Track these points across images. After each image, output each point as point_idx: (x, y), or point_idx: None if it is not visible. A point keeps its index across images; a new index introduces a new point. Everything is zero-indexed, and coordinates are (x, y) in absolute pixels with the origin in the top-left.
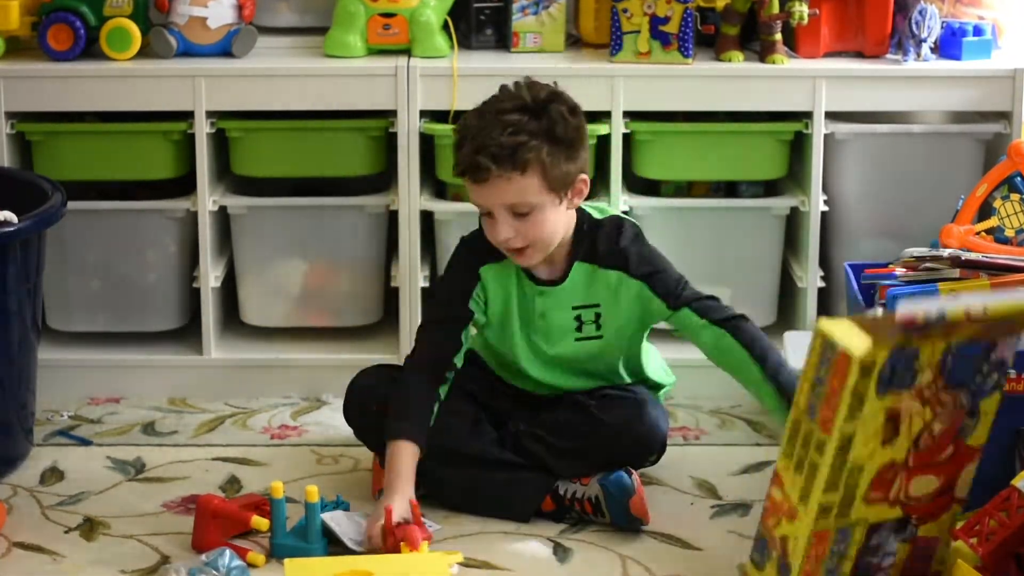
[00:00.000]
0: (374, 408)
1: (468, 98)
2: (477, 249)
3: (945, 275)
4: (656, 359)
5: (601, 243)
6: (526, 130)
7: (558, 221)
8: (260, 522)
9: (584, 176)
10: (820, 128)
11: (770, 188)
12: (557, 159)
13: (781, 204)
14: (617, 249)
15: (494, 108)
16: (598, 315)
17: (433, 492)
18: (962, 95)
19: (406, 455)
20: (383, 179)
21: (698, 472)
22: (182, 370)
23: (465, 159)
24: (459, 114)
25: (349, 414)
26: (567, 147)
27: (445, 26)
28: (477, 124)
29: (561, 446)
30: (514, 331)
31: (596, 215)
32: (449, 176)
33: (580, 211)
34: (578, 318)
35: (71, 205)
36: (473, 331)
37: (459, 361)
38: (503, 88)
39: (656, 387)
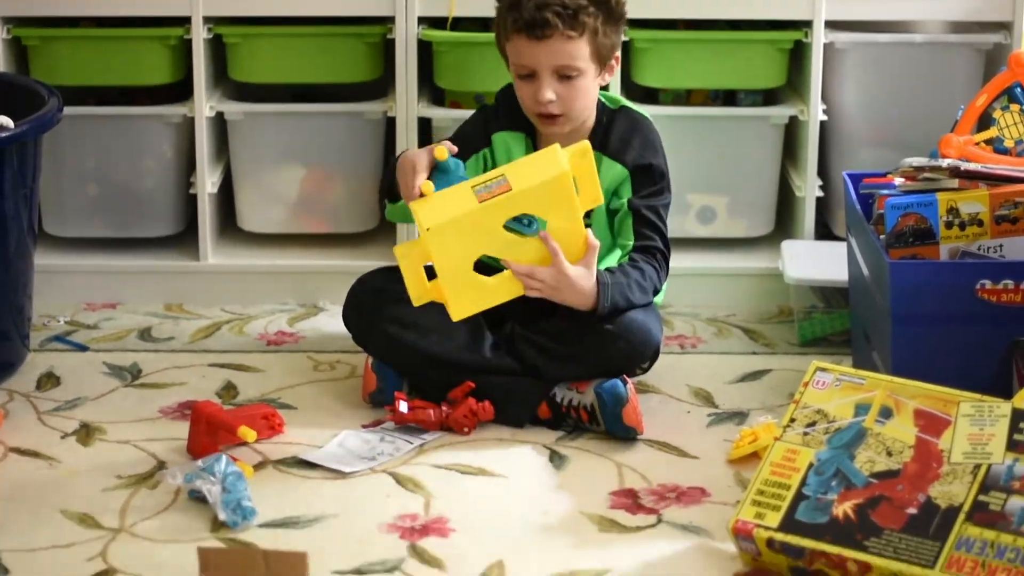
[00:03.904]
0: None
1: (467, 4)
2: (496, 116)
3: (944, 185)
4: None
5: (614, 134)
6: None
7: (592, 93)
8: (247, 432)
9: (618, 54)
10: (820, 37)
11: (769, 97)
12: (607, 29)
13: (780, 113)
14: (623, 140)
15: None
16: None
17: (428, 397)
18: (962, 5)
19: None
20: (380, 85)
21: (694, 380)
22: (178, 276)
23: (528, 13)
24: (457, 21)
25: (348, 318)
26: (615, 21)
27: None
28: None
29: (554, 350)
30: None
31: (610, 105)
32: (447, 83)
33: (599, 101)
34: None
35: (67, 110)
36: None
37: None
38: None
39: None
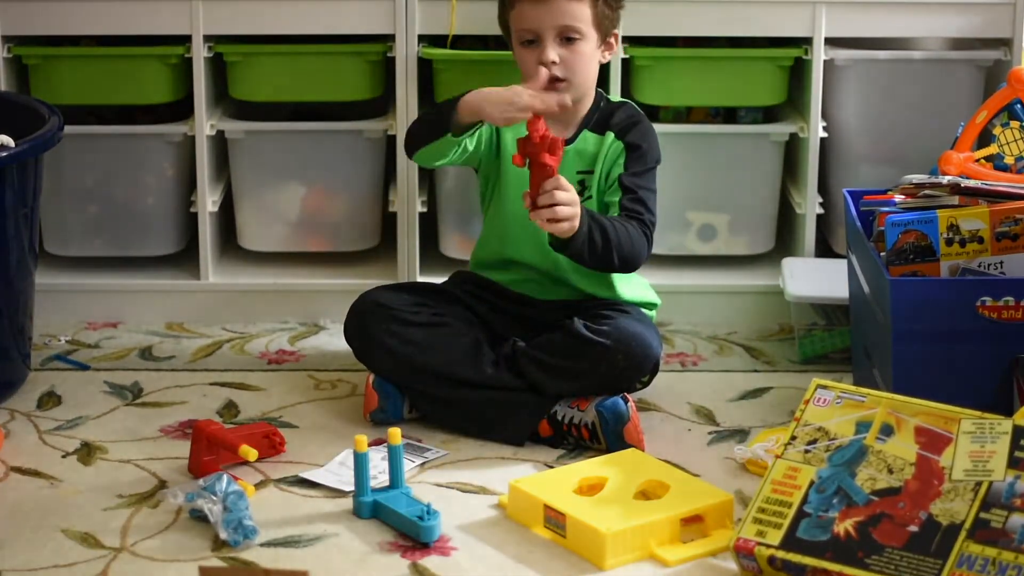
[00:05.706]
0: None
1: (466, 22)
2: None
3: (944, 202)
4: (638, 279)
5: (617, 116)
6: None
7: (593, 64)
8: (248, 451)
9: (618, 33)
10: (820, 54)
11: (769, 114)
12: (608, 1)
13: (780, 130)
14: (627, 121)
15: None
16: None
17: (429, 413)
18: (963, 21)
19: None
20: (381, 104)
21: (695, 398)
22: (180, 295)
23: None
24: (457, 39)
25: (349, 334)
26: None
27: None
28: None
29: (554, 364)
30: (508, 197)
31: (612, 98)
32: None
33: (598, 92)
34: (581, 183)
35: (68, 129)
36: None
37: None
38: None
39: (645, 306)
